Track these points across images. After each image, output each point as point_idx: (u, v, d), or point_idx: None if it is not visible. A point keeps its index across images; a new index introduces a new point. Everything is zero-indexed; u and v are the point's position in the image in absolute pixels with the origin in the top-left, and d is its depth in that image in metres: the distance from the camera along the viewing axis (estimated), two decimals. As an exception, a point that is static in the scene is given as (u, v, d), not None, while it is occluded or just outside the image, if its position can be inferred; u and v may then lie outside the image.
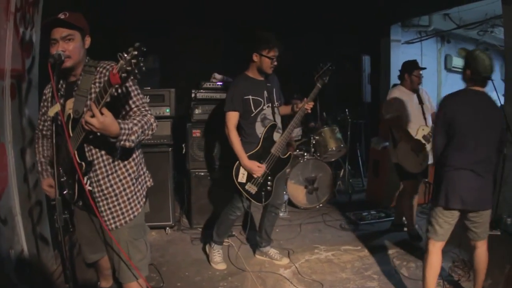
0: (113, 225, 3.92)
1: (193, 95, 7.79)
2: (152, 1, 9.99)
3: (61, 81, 3.85)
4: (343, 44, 11.56)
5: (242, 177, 6.00)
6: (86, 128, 3.28)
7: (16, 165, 5.04)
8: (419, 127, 7.26)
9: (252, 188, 6.02)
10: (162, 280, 5.93)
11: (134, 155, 4.04)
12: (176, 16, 10.37)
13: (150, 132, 3.76)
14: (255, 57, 5.93)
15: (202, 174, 7.92)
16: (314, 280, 6.10)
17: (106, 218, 3.90)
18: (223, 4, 10.41)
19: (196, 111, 7.82)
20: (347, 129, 10.38)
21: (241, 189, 6.02)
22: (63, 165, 3.85)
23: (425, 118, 7.47)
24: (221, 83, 7.94)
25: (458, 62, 14.64)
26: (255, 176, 5.96)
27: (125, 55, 2.96)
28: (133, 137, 3.50)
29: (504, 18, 8.27)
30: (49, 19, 3.54)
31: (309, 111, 6.15)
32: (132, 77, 3.04)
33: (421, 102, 7.52)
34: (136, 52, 2.94)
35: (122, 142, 3.45)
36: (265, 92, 6.10)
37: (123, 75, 2.97)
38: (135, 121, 3.59)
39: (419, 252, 6.94)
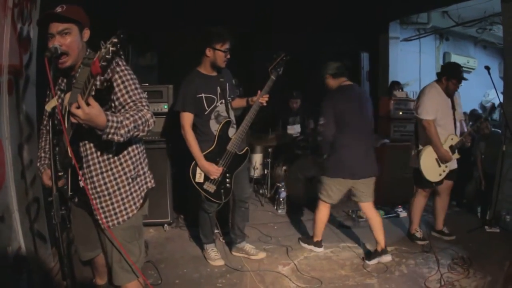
0: (105, 225, 3.83)
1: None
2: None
3: (61, 77, 3.82)
4: (341, 41, 11.51)
5: (199, 176, 6.01)
6: (72, 120, 3.18)
7: (13, 162, 5.00)
8: (449, 136, 7.02)
9: (210, 187, 6.04)
10: (160, 277, 5.92)
11: (132, 153, 3.96)
12: (174, 12, 10.34)
13: (146, 128, 3.63)
14: (208, 52, 5.89)
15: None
16: (313, 277, 6.09)
17: (98, 217, 3.81)
18: (222, 1, 10.38)
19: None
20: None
21: (199, 189, 6.04)
22: (60, 160, 3.76)
23: (455, 126, 7.19)
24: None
25: (456, 59, 14.56)
26: (211, 177, 5.98)
27: (105, 44, 2.88)
28: (122, 131, 3.37)
29: (503, 15, 8.30)
30: (44, 13, 3.50)
31: (264, 104, 6.06)
32: (112, 66, 3.08)
33: (453, 107, 7.18)
34: (115, 40, 2.86)
35: (110, 136, 3.32)
36: (218, 88, 6.06)
37: (103, 63, 2.87)
38: (127, 115, 3.48)
39: (419, 250, 6.96)
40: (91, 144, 3.72)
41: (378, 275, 6.19)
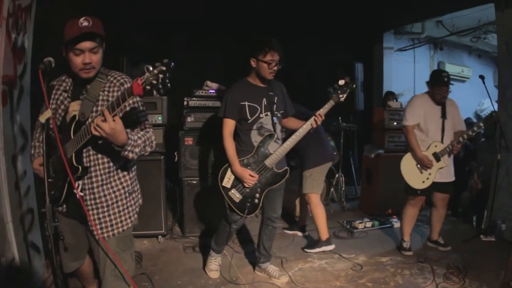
0: (101, 236, 3.90)
1: (185, 103, 7.75)
2: (146, 9, 9.95)
3: (69, 82, 3.90)
4: (335, 51, 11.55)
5: (227, 181, 5.80)
6: (94, 132, 3.32)
7: (7, 172, 5.01)
8: (432, 143, 7.02)
9: (235, 196, 5.80)
10: (154, 289, 5.87)
11: (130, 170, 4.09)
12: (170, 24, 10.35)
13: (149, 149, 3.87)
14: (253, 62, 5.70)
15: (195, 182, 7.88)
16: (308, 289, 6.06)
17: (94, 228, 3.87)
18: (218, 12, 10.42)
19: (189, 119, 7.79)
20: (340, 136, 10.37)
21: (224, 194, 5.84)
22: (55, 166, 3.83)
23: (442, 135, 7.12)
24: (213, 91, 7.90)
25: (451, 69, 14.64)
26: (245, 184, 5.74)
27: (152, 69, 3.09)
28: (137, 150, 3.64)
29: (498, 24, 8.34)
30: (80, 32, 3.49)
31: (319, 123, 5.79)
32: (155, 91, 3.17)
33: (443, 116, 7.14)
34: (164, 68, 3.08)
35: (126, 153, 3.56)
36: (264, 100, 5.81)
37: (147, 87, 3.10)
38: (139, 135, 3.73)
39: (414, 260, 6.95)
40: (96, 156, 3.81)
41: (373, 286, 6.17)
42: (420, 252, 7.24)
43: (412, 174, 7.05)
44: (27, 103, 5.50)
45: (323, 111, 5.77)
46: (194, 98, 7.84)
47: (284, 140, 5.91)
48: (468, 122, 12.06)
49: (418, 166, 7.01)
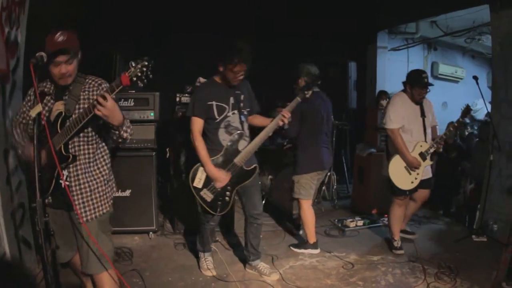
0: (84, 218, 4.22)
1: (177, 99, 7.74)
2: (139, 5, 9.94)
3: (52, 86, 4.26)
4: (329, 50, 11.51)
5: (198, 181, 5.86)
6: (97, 112, 3.76)
7: (-2, 167, 5.00)
8: (417, 143, 7.06)
9: (207, 195, 5.87)
10: (145, 285, 5.88)
11: (107, 160, 4.54)
12: (162, 21, 10.33)
13: (130, 135, 4.30)
14: (220, 68, 5.75)
15: (185, 178, 7.75)
16: (299, 287, 6.08)
17: (79, 211, 4.19)
18: (209, 9, 10.42)
19: (180, 115, 7.74)
20: (332, 135, 10.36)
21: (195, 194, 5.89)
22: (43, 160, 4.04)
23: (425, 133, 7.19)
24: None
25: (444, 69, 14.69)
26: (216, 185, 5.82)
27: (136, 64, 3.64)
28: (129, 130, 4.21)
29: (492, 25, 8.35)
30: (54, 50, 3.87)
31: (285, 122, 5.87)
32: (139, 82, 3.68)
33: (423, 114, 7.20)
34: (146, 63, 3.65)
35: (122, 132, 4.09)
36: (231, 98, 5.90)
37: (133, 78, 3.65)
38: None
39: (405, 259, 6.95)
40: (79, 148, 4.25)
41: (364, 285, 6.17)
42: (411, 252, 7.25)
43: (401, 176, 7.07)
44: (19, 97, 5.48)
45: (289, 108, 5.87)
46: (186, 95, 7.84)
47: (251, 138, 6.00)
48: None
49: (406, 167, 7.02)
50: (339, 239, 8.13)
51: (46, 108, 4.16)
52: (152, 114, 7.48)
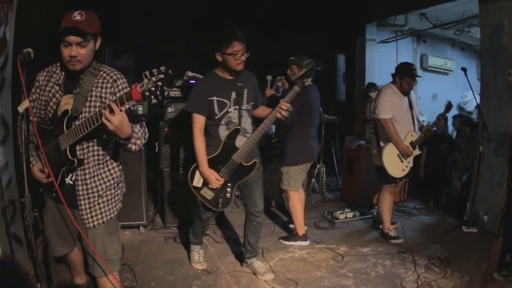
0: (91, 224, 4.05)
1: (165, 93, 7.68)
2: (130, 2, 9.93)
3: (62, 75, 3.95)
4: (317, 42, 11.49)
5: (197, 181, 5.76)
6: (107, 125, 3.44)
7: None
8: (408, 133, 7.24)
9: (207, 194, 5.78)
10: (136, 280, 5.87)
11: (119, 161, 4.27)
12: (150, 14, 10.30)
13: (144, 141, 4.03)
14: (219, 57, 5.51)
15: (175, 172, 7.87)
16: (289, 279, 6.08)
17: (85, 217, 4.03)
18: (196, 2, 10.39)
19: (169, 110, 7.77)
20: (321, 127, 10.35)
21: (196, 194, 5.81)
22: (49, 156, 3.86)
23: (414, 123, 7.39)
24: (193, 81, 7.84)
25: (434, 61, 14.70)
26: (210, 186, 5.69)
27: (151, 77, 3.28)
28: (138, 142, 3.88)
29: (481, 17, 8.36)
30: (69, 25, 3.58)
31: (284, 113, 5.65)
32: (153, 97, 3.32)
33: (411, 106, 7.40)
34: (162, 76, 3.27)
35: (130, 145, 3.80)
36: (233, 93, 5.65)
37: (146, 93, 3.29)
38: (138, 128, 3.93)
39: (395, 250, 6.97)
40: (88, 149, 3.97)
41: (354, 276, 6.18)
42: (401, 243, 7.30)
43: (394, 164, 7.20)
44: (9, 94, 5.43)
45: (287, 99, 5.67)
46: (174, 89, 7.87)
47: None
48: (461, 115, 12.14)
49: (399, 155, 7.15)
50: (329, 231, 8.15)
51: (54, 99, 3.91)
52: (141, 108, 7.50)
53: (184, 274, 6.21)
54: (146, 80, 3.26)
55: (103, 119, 3.40)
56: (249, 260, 6.40)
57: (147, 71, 3.29)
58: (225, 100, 5.64)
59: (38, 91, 4.03)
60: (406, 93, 7.30)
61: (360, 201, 9.56)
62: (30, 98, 4.10)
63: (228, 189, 5.80)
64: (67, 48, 3.63)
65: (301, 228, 7.34)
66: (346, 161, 10.40)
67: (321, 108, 7.90)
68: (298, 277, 6.13)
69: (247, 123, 5.81)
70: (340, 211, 8.88)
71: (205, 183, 5.73)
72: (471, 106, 14.38)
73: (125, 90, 3.79)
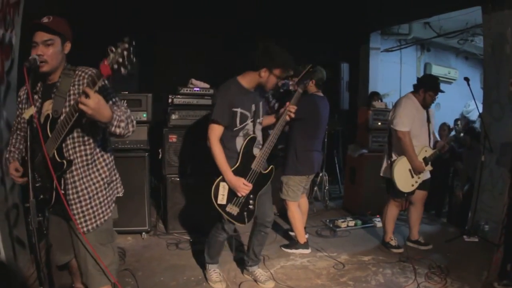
0: (85, 228, 3.93)
1: (170, 100, 7.75)
2: (133, 5, 9.93)
3: (38, 84, 3.91)
4: (322, 51, 11.51)
5: (222, 198, 5.43)
6: (79, 109, 3.35)
7: (-7, 168, 5.02)
8: (423, 148, 7.08)
9: (233, 210, 5.49)
10: (138, 285, 5.88)
11: (107, 160, 4.14)
12: (156, 21, 10.31)
13: (131, 129, 3.85)
14: (263, 72, 5.33)
15: (178, 179, 7.87)
16: (290, 286, 6.09)
17: (78, 221, 3.91)
18: (201, 8, 10.42)
19: (173, 116, 7.78)
20: (324, 136, 10.37)
21: (221, 212, 5.47)
22: (39, 170, 3.83)
23: (429, 139, 7.25)
24: (198, 89, 7.91)
25: (437, 70, 14.67)
26: (239, 195, 5.41)
27: (116, 48, 3.17)
28: (123, 124, 3.67)
29: (484, 27, 8.37)
30: (32, 22, 3.62)
31: (292, 115, 5.64)
32: (122, 69, 3.19)
33: (429, 120, 7.24)
34: (126, 45, 3.16)
35: (113, 128, 3.60)
36: (253, 105, 5.56)
37: (114, 66, 3.17)
38: (122, 110, 3.76)
39: (396, 259, 6.97)
40: (74, 150, 3.86)
41: (354, 284, 6.19)
42: (402, 252, 7.31)
43: (404, 179, 7.04)
44: (14, 99, 5.47)
45: (293, 102, 5.69)
46: (178, 96, 7.84)
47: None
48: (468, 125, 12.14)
49: (411, 170, 7.02)
50: (331, 239, 8.16)
51: (35, 109, 3.71)
52: (145, 115, 7.52)
53: (185, 280, 6.22)
54: (111, 54, 3.19)
55: (80, 105, 3.30)
56: (251, 268, 6.37)
57: (111, 46, 3.22)
58: (247, 112, 5.54)
59: (20, 105, 4.06)
60: (427, 106, 7.15)
61: (362, 209, 9.55)
62: (17, 113, 4.18)
63: (251, 201, 5.65)
64: (34, 48, 3.65)
65: (302, 237, 7.36)
66: (348, 169, 10.39)
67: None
68: (299, 285, 6.14)
69: (260, 135, 5.75)
70: (342, 220, 8.88)
71: (230, 198, 5.49)
72: (474, 115, 14.35)
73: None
